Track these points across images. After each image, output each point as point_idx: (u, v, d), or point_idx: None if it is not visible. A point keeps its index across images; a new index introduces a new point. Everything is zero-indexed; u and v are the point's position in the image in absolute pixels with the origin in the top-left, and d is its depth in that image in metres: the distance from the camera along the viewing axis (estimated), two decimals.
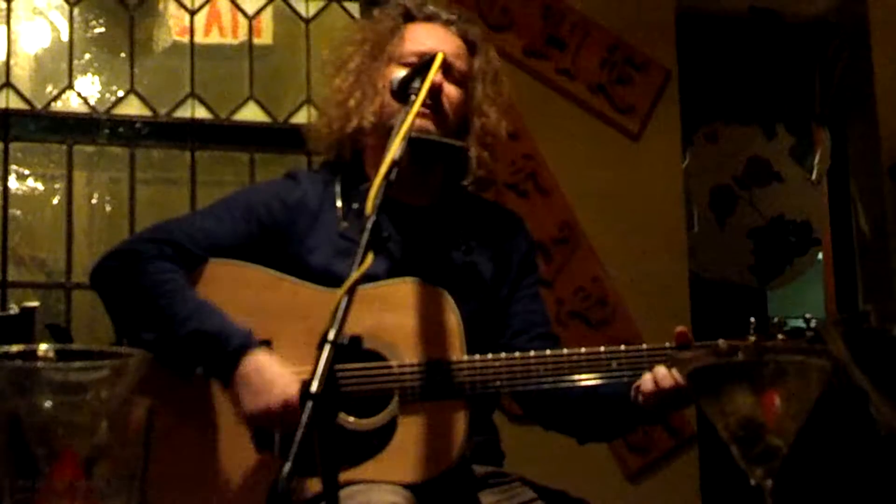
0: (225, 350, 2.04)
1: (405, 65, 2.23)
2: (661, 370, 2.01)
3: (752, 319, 2.02)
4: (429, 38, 2.28)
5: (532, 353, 2.10)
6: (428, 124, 2.17)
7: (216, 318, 2.08)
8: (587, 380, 2.08)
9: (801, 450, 1.24)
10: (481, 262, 2.28)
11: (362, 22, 2.43)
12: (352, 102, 2.25)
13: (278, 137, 4.08)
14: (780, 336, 2.02)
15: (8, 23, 3.97)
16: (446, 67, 2.23)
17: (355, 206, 2.20)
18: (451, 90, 2.23)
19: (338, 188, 2.27)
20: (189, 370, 2.11)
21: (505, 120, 2.33)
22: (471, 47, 2.33)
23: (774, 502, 1.14)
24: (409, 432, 2.06)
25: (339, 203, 2.25)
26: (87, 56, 4.14)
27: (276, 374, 2.02)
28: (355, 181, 2.23)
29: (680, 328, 2.05)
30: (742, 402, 1.14)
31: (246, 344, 2.05)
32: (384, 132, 2.18)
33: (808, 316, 1.98)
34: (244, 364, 2.03)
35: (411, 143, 1.92)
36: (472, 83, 2.30)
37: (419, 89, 2.01)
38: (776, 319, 2.06)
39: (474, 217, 2.33)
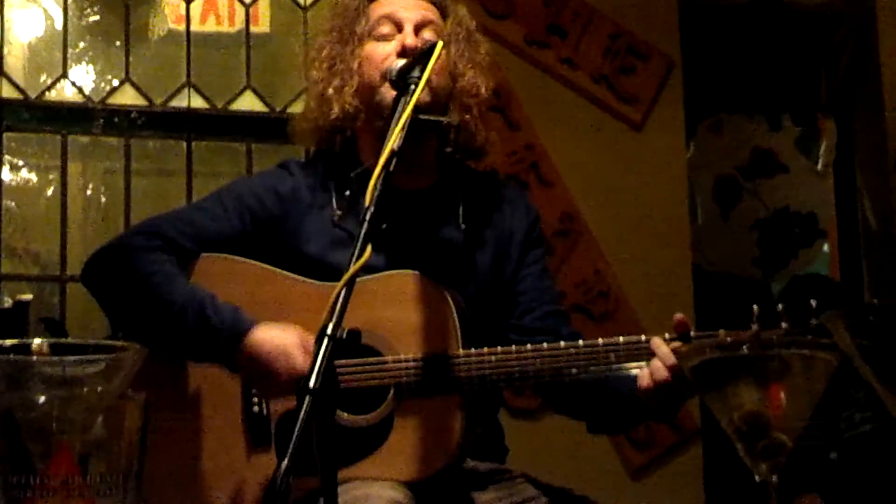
0: (218, 343, 2.02)
1: (378, 37, 2.23)
2: (655, 363, 1.99)
3: (755, 308, 2.00)
4: (396, 5, 2.27)
5: (529, 346, 2.07)
6: (422, 95, 2.08)
7: (206, 310, 2.04)
8: (586, 374, 2.05)
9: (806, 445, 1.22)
10: (482, 243, 2.25)
11: (328, 12, 2.42)
12: (330, 91, 2.22)
13: (276, 127, 4.03)
14: (783, 325, 1.99)
15: (1, 11, 3.96)
16: (420, 29, 2.23)
17: (348, 193, 2.18)
18: None
19: (331, 177, 2.25)
20: (189, 359, 2.11)
21: (485, 78, 2.29)
22: (441, 10, 2.31)
23: (779, 498, 1.13)
24: (406, 429, 2.05)
25: (332, 192, 2.23)
26: (82, 45, 4.15)
27: (275, 351, 1.97)
28: (348, 169, 2.20)
29: (678, 316, 2.03)
30: (747, 397, 1.14)
31: (235, 332, 2.01)
32: (371, 112, 2.19)
33: (812, 302, 1.94)
34: (241, 352, 2.00)
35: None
36: (447, 46, 2.26)
37: (419, 78, 1.96)
38: (780, 307, 2.02)
39: (473, 194, 2.30)
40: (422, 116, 2.05)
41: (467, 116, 2.25)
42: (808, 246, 4.96)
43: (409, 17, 2.24)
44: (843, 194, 4.93)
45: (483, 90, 2.27)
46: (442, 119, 2.18)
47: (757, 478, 1.14)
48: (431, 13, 2.28)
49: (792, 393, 1.13)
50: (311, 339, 1.86)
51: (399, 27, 2.23)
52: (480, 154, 2.33)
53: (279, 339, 1.99)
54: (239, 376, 2.07)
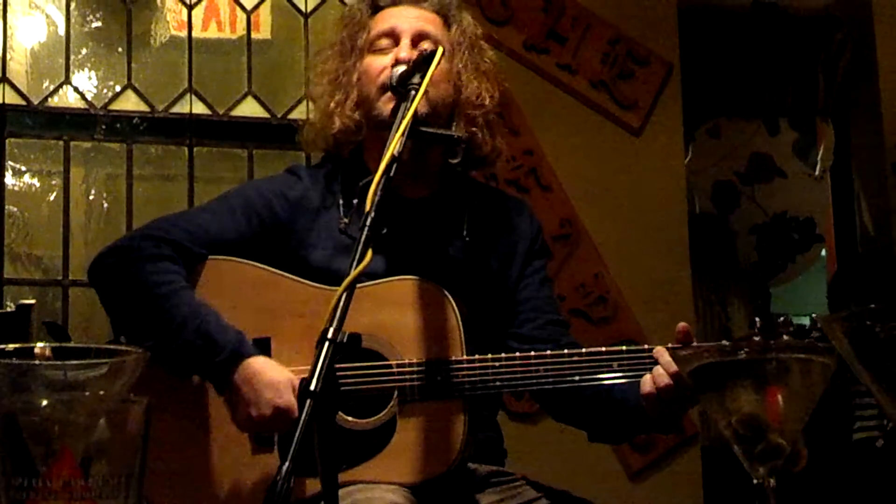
0: (215, 360, 2.01)
1: (376, 51, 2.23)
2: (658, 369, 1.99)
3: (757, 319, 2.00)
4: (395, 18, 2.26)
5: (532, 352, 2.07)
6: (420, 106, 2.06)
7: (209, 326, 2.04)
8: (587, 382, 2.05)
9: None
10: (484, 252, 2.25)
11: (336, 24, 2.42)
12: (332, 105, 2.23)
13: (277, 133, 4.06)
14: (785, 337, 2.00)
15: (4, 17, 3.97)
16: (417, 41, 2.21)
17: (356, 201, 2.17)
18: None
19: (339, 184, 2.25)
20: (184, 375, 2.10)
21: (489, 87, 2.28)
22: (445, 19, 2.30)
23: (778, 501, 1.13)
24: (409, 433, 2.04)
25: (340, 199, 2.23)
26: (84, 51, 4.13)
27: (268, 383, 1.98)
28: (356, 176, 2.18)
29: (682, 325, 2.03)
30: (745, 400, 1.14)
31: (237, 353, 2.01)
32: (374, 124, 2.18)
33: (814, 315, 1.96)
34: (236, 373, 2.00)
35: (409, 135, 1.89)
36: (450, 56, 2.25)
37: (419, 85, 1.97)
38: (782, 318, 2.03)
39: (476, 205, 2.30)
40: (429, 130, 2.07)
41: (473, 129, 2.23)
42: (805, 250, 4.97)
43: (406, 30, 2.22)
44: (840, 199, 4.94)
45: (488, 100, 2.26)
46: (452, 133, 2.17)
47: (755, 481, 1.14)
48: (431, 24, 2.26)
49: (790, 396, 1.13)
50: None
51: (397, 40, 2.22)
52: (487, 164, 2.33)
53: (276, 373, 2.00)
54: (225, 398, 2.05)
